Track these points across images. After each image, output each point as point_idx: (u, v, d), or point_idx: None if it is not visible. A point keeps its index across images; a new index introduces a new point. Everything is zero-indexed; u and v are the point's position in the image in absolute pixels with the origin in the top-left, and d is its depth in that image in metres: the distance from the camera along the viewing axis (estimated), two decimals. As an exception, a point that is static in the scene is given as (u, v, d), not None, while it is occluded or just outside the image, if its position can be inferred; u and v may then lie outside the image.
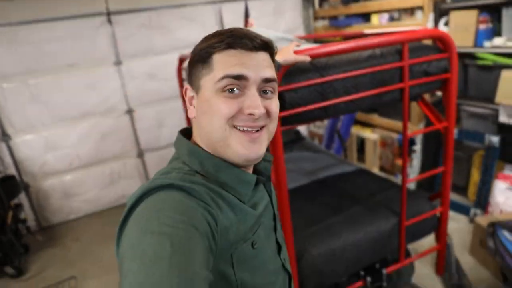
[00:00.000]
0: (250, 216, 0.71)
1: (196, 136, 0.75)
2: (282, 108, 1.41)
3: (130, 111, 3.67)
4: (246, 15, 3.01)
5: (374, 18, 3.50)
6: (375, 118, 3.85)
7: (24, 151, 3.32)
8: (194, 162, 0.70)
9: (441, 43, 1.69)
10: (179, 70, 2.82)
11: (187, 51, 3.06)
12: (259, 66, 0.67)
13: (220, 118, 0.66)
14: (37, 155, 3.37)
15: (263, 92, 0.69)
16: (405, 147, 1.76)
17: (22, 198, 3.34)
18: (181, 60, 2.78)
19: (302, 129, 4.66)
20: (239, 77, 0.66)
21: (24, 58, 3.15)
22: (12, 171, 3.28)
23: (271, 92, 0.71)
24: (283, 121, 1.44)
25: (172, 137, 0.78)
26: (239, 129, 0.68)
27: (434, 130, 1.90)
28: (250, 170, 0.76)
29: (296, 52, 1.35)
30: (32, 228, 3.39)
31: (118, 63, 3.51)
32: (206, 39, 0.71)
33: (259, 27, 2.94)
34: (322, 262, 1.66)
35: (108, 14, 3.34)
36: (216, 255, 0.61)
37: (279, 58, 1.24)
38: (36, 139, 3.35)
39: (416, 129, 3.34)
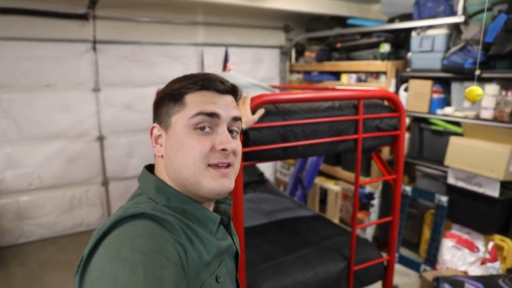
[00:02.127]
0: (217, 248, 0.73)
1: (161, 173, 0.76)
2: (245, 144, 1.53)
3: (101, 138, 3.69)
4: (226, 60, 3.22)
5: (344, 77, 3.81)
6: (339, 170, 4.03)
7: (-19, 164, 3.22)
8: (161, 198, 0.71)
9: (392, 104, 1.89)
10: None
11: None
12: (228, 106, 0.74)
13: (194, 155, 0.69)
14: (-4, 170, 3.28)
15: (230, 132, 0.75)
16: (356, 194, 1.89)
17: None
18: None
19: (269, 175, 4.78)
20: (212, 115, 0.71)
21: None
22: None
23: (236, 132, 0.77)
24: (245, 157, 1.54)
25: (140, 169, 0.80)
26: (212, 167, 0.71)
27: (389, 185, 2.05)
28: (211, 209, 0.79)
29: (259, 98, 1.50)
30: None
31: (96, 89, 3.58)
32: (176, 81, 0.75)
33: (237, 73, 3.15)
34: (271, 297, 1.69)
35: (94, 42, 3.47)
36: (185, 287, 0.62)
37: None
38: (-2, 153, 3.27)
39: (376, 184, 3.53)
